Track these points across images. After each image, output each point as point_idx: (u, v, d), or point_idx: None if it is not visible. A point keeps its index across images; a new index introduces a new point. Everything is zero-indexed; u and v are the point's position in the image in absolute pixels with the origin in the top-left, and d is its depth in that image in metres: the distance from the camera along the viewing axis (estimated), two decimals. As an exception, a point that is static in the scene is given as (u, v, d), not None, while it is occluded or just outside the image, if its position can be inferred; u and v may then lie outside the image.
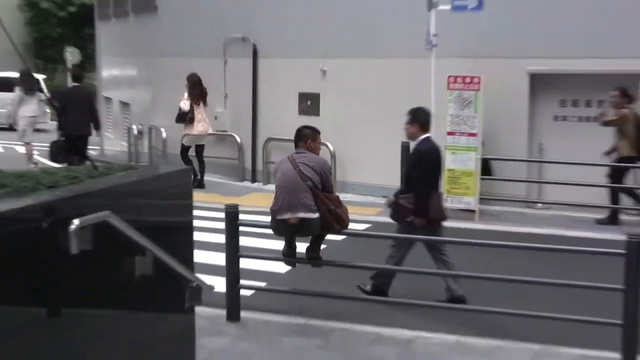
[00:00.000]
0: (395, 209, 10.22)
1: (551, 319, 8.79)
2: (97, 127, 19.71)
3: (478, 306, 9.17)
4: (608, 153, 15.20)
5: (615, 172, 15.14)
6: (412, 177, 10.21)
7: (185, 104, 18.61)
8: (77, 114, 18.14)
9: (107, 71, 29.63)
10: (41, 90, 20.28)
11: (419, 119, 10.43)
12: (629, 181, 15.42)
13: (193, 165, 17.75)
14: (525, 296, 9.48)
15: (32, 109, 20.44)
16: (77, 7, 49.28)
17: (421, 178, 10.13)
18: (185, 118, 18.62)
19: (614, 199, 15.21)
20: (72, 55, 33.30)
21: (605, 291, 8.50)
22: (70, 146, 18.09)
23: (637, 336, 8.21)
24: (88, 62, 41.05)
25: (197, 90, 18.82)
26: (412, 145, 10.56)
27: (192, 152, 19.27)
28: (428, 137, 10.35)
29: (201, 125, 18.77)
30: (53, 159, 18.30)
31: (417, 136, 10.39)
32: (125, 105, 26.70)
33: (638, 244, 8.16)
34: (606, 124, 15.08)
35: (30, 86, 20.80)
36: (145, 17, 23.94)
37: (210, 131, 19.14)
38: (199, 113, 18.73)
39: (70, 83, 20.41)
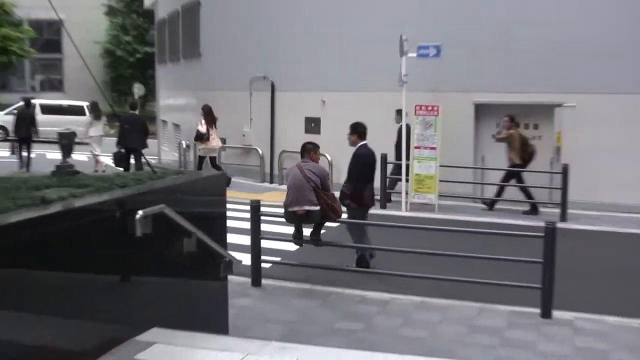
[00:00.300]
0: (341, 194, 10.30)
1: (489, 284, 8.81)
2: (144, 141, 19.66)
3: (437, 275, 9.17)
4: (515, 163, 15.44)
5: (509, 176, 15.49)
6: (352, 172, 10.35)
7: (202, 127, 18.74)
8: (133, 133, 18.23)
9: (164, 101, 29.63)
10: (116, 114, 20.19)
11: (357, 130, 10.55)
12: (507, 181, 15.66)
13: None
14: (471, 267, 9.48)
15: (99, 130, 20.66)
16: (142, 54, 49.28)
17: (357, 174, 10.28)
18: (202, 137, 18.72)
19: (528, 195, 15.36)
20: (138, 89, 33.25)
21: (529, 263, 8.51)
22: (128, 155, 18.32)
23: (552, 296, 8.25)
24: (150, 94, 40.98)
25: (209, 117, 18.91)
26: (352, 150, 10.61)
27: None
28: (365, 144, 10.44)
29: (215, 142, 18.91)
30: (116, 164, 18.57)
31: (357, 143, 10.47)
32: (176, 126, 26.70)
33: (553, 229, 8.21)
34: (499, 140, 15.46)
35: (97, 113, 20.89)
36: (192, 61, 23.95)
37: (220, 145, 19.36)
38: (213, 133, 18.82)
39: (129, 111, 20.38)
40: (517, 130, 15.40)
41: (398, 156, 15.87)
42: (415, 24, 16.20)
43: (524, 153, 15.31)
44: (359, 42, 17.45)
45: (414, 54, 14.99)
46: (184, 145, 23.19)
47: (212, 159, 19.33)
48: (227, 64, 21.08)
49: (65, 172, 6.25)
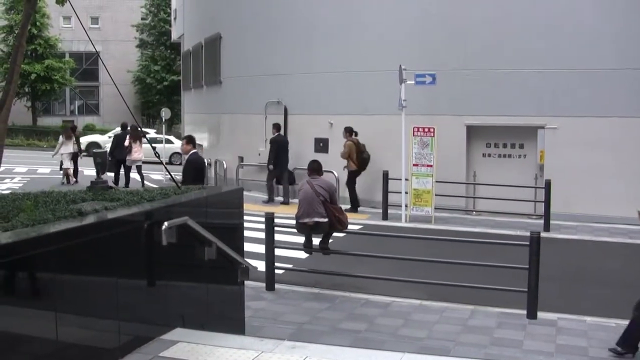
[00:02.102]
0: None
1: (481, 288, 8.75)
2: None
3: (434, 280, 9.11)
4: (345, 168, 16.63)
5: (349, 180, 16.51)
6: (186, 175, 11.42)
7: (128, 142, 20.41)
8: (121, 147, 20.40)
9: (188, 123, 29.67)
10: (144, 135, 20.56)
11: (192, 141, 12.03)
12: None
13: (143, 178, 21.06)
14: (465, 273, 9.43)
15: (69, 148, 21.78)
16: (169, 81, 49.52)
17: (188, 176, 11.29)
18: (127, 150, 20.40)
19: (352, 194, 16.54)
20: (165, 113, 33.14)
21: (515, 269, 8.46)
22: (117, 162, 20.56)
23: (536, 299, 8.20)
24: (176, 117, 41.25)
25: (134, 133, 20.49)
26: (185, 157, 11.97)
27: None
28: (195, 152, 11.82)
29: (136, 154, 20.28)
30: (107, 170, 19.85)
31: (189, 151, 11.73)
32: (199, 145, 26.67)
33: (537, 238, 8.15)
34: (343, 155, 16.44)
35: (68, 134, 22.11)
36: (213, 88, 24.00)
37: (143, 159, 20.94)
38: (136, 146, 20.24)
39: (120, 130, 22.57)
40: (353, 140, 16.36)
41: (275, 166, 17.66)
42: (413, 55, 16.21)
43: (360, 160, 16.30)
44: (363, 70, 17.45)
45: (412, 82, 15.01)
46: (206, 163, 23.21)
47: (138, 167, 20.93)
48: (244, 90, 21.11)
49: (99, 187, 6.25)
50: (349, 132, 16.49)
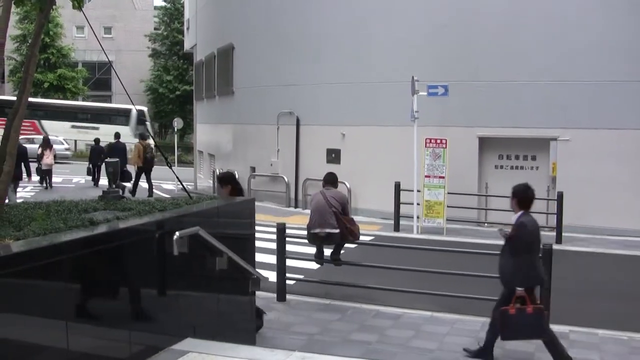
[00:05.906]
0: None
1: (492, 300, 8.64)
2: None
3: (445, 292, 9.07)
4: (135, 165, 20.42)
5: (136, 175, 20.32)
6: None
7: (40, 150, 23.26)
8: (95, 154, 24.65)
9: (200, 133, 29.78)
10: (156, 145, 21.01)
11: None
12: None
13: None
14: (476, 285, 9.38)
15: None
16: (182, 91, 49.73)
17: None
18: (40, 157, 23.43)
19: (150, 186, 20.45)
20: (177, 123, 33.11)
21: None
22: (94, 169, 24.98)
23: (548, 312, 8.12)
24: (188, 127, 41.28)
25: (45, 143, 23.81)
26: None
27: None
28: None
29: (48, 160, 23.31)
30: (88, 173, 25.26)
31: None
32: (211, 156, 26.82)
33: (550, 250, 8.11)
34: (133, 157, 20.45)
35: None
36: (226, 98, 24.10)
37: (53, 162, 23.82)
38: (46, 153, 23.23)
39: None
40: (142, 143, 20.16)
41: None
42: (425, 66, 16.25)
43: (144, 159, 19.89)
44: (375, 81, 17.49)
45: (424, 93, 15.02)
46: (218, 173, 23.29)
47: (49, 173, 23.70)
48: (257, 100, 21.19)
49: (111, 197, 6.28)
50: (142, 137, 20.81)
